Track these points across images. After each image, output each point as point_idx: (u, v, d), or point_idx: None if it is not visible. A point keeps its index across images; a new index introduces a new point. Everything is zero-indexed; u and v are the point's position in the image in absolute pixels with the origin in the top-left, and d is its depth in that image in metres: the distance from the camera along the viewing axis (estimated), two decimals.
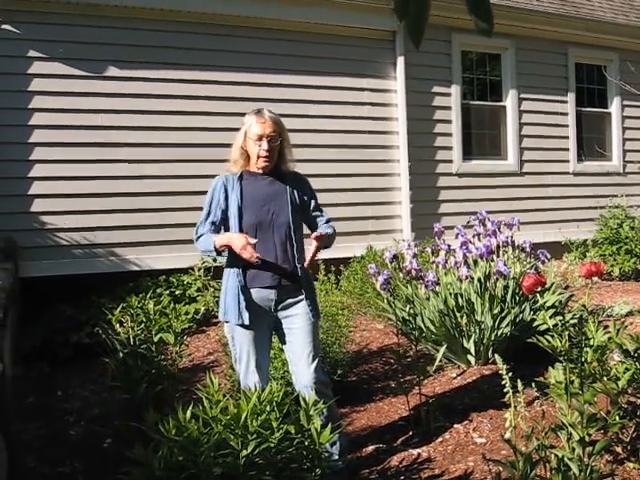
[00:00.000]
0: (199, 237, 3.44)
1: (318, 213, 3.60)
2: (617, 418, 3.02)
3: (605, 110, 10.35)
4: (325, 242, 3.47)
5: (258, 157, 3.38)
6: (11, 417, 3.66)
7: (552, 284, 5.24)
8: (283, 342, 3.49)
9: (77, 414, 4.71)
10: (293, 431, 2.72)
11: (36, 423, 4.52)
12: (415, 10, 0.96)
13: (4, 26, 6.52)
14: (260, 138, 3.34)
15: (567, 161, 9.82)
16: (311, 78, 7.92)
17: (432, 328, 5.03)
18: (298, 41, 7.85)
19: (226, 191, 3.41)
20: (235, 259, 3.34)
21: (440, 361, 4.76)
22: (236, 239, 3.26)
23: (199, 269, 6.79)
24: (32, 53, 6.62)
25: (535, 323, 4.93)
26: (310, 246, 3.43)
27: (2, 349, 3.69)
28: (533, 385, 3.94)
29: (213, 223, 3.43)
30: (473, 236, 5.22)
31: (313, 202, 3.58)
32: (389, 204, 8.43)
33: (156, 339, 4.26)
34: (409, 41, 8.20)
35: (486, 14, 1.00)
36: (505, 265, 4.83)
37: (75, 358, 5.69)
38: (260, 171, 3.44)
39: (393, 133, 8.42)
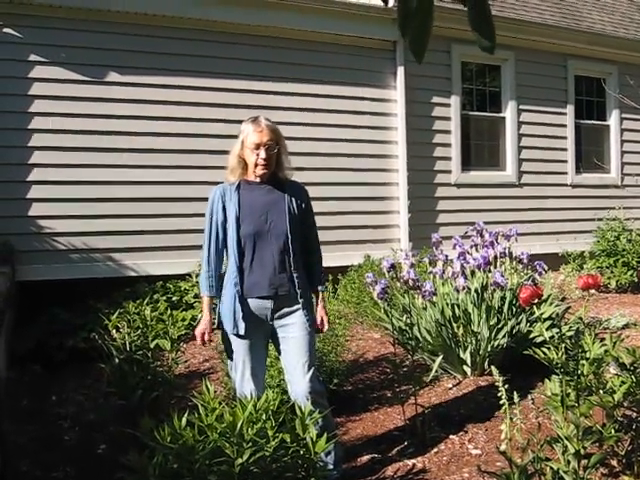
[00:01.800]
0: (204, 268, 3.47)
1: (312, 234, 3.59)
2: (613, 431, 3.02)
3: (604, 123, 10.39)
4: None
5: (256, 165, 3.37)
6: (4, 420, 3.66)
7: (549, 296, 5.24)
8: (279, 351, 3.48)
9: (72, 419, 4.69)
10: (288, 440, 2.71)
11: (30, 426, 4.50)
12: (418, 26, 0.96)
13: (5, 30, 6.54)
14: (257, 147, 3.34)
15: (565, 173, 9.84)
16: (311, 87, 7.94)
17: (429, 338, 5.03)
18: (298, 49, 7.87)
19: (223, 202, 3.41)
20: (234, 269, 3.34)
21: (436, 371, 4.75)
22: (199, 330, 3.45)
23: (196, 275, 6.78)
24: (33, 57, 6.63)
25: (532, 335, 4.92)
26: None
27: None
28: (529, 397, 3.94)
29: (217, 242, 3.43)
30: (471, 247, 5.22)
31: (309, 215, 3.57)
32: (387, 213, 8.43)
33: (152, 345, 4.25)
34: (409, 51, 8.27)
35: (489, 32, 1.01)
36: (502, 276, 4.83)
37: (70, 362, 5.68)
38: (258, 179, 3.43)
39: (392, 143, 8.43)
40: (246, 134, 3.38)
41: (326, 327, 3.59)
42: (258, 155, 3.35)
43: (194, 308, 6.55)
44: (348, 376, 5.00)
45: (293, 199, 3.46)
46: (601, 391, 3.12)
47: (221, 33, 7.44)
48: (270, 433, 2.66)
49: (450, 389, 4.90)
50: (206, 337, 3.43)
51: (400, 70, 8.36)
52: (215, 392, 2.82)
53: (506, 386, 2.64)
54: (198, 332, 3.44)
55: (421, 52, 1.02)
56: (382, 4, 8.09)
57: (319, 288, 3.59)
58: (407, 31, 0.99)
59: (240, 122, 3.54)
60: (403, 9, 1.01)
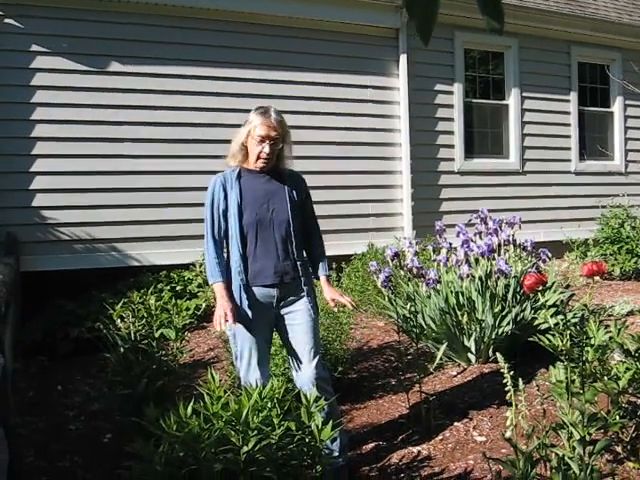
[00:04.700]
0: (210, 255, 3.37)
1: (312, 221, 3.60)
2: (617, 418, 3.02)
3: (607, 109, 10.35)
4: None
5: (258, 158, 3.36)
6: (11, 411, 3.67)
7: (553, 283, 5.23)
8: (284, 338, 3.48)
9: (77, 409, 4.72)
10: (294, 428, 2.71)
11: (36, 417, 4.52)
12: (425, 8, 0.95)
13: (7, 20, 6.52)
14: (263, 140, 3.32)
15: (569, 160, 9.82)
16: (314, 75, 7.92)
17: (433, 326, 5.03)
18: (301, 38, 7.85)
19: (225, 190, 3.39)
20: (237, 258, 3.33)
21: (441, 359, 4.76)
22: (220, 308, 3.25)
23: (200, 265, 6.79)
24: (35, 47, 6.62)
25: (536, 322, 4.93)
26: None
27: (3, 343, 3.69)
28: (534, 384, 3.94)
29: (219, 230, 3.39)
30: (474, 234, 5.21)
31: (309, 204, 3.58)
32: (391, 201, 8.43)
33: (157, 334, 4.25)
34: (412, 39, 8.24)
35: (497, 13, 1.00)
36: (506, 264, 4.83)
37: (75, 353, 5.70)
38: (258, 169, 3.42)
39: (395, 131, 8.42)
40: (254, 125, 3.34)
41: (347, 300, 3.54)
42: (262, 149, 3.33)
43: (198, 297, 6.57)
44: (353, 364, 5.01)
45: (293, 188, 3.46)
46: (606, 378, 3.12)
47: (223, 22, 7.42)
48: (275, 421, 2.66)
49: (454, 376, 4.90)
50: (230, 318, 3.22)
51: (403, 58, 8.33)
52: (220, 381, 2.82)
53: (511, 373, 2.64)
54: (220, 314, 3.23)
55: (428, 34, 1.01)
56: None
57: (323, 273, 3.59)
58: (414, 12, 0.98)
59: (242, 111, 3.52)
60: None
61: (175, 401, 2.84)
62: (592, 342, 3.21)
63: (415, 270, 4.63)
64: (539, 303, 4.84)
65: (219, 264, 3.36)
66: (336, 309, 3.71)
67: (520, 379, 2.71)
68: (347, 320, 4.94)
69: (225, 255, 3.44)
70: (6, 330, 4.13)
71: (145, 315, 4.33)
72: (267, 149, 3.33)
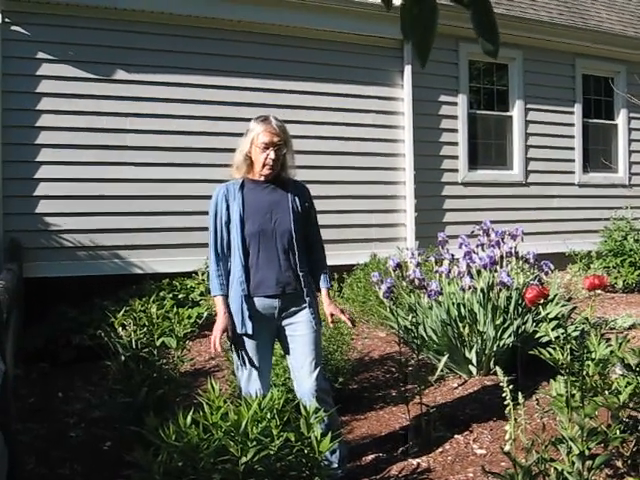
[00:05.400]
0: (212, 268, 3.43)
1: (315, 232, 3.59)
2: (618, 432, 3.01)
3: (611, 122, 10.35)
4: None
5: (264, 165, 3.36)
6: (12, 417, 3.67)
7: (555, 296, 5.23)
8: (285, 349, 3.48)
9: (78, 416, 4.71)
10: (293, 439, 2.71)
11: (36, 424, 4.52)
12: (422, 31, 0.96)
13: (13, 28, 6.56)
14: (267, 147, 3.33)
15: (572, 172, 9.82)
16: (318, 85, 7.94)
17: (434, 337, 5.03)
18: (305, 48, 7.87)
19: (227, 201, 3.40)
20: (239, 268, 3.34)
21: (441, 371, 4.75)
22: (217, 329, 3.35)
23: (202, 273, 6.80)
24: (41, 55, 6.66)
25: (537, 335, 4.92)
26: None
27: (5, 350, 3.69)
28: (534, 397, 3.93)
29: (222, 242, 3.41)
30: (477, 246, 5.21)
31: (312, 214, 3.57)
32: (393, 212, 8.43)
33: (158, 343, 4.25)
34: None
35: (492, 35, 1.00)
36: (508, 276, 4.83)
37: (77, 360, 5.70)
38: (262, 178, 3.43)
39: (399, 141, 8.43)
40: (256, 133, 3.36)
41: (346, 318, 3.57)
42: (267, 155, 3.34)
43: (200, 306, 6.57)
44: (353, 375, 5.00)
45: (296, 198, 3.46)
46: (606, 392, 3.11)
47: (229, 31, 7.45)
48: (275, 432, 2.66)
49: (455, 389, 4.89)
50: (217, 343, 3.32)
51: (407, 69, 8.36)
52: (220, 390, 2.82)
53: (511, 386, 2.64)
54: (215, 336, 3.34)
55: (425, 56, 1.02)
56: None
57: (325, 285, 3.58)
58: (410, 36, 0.99)
59: (247, 120, 3.53)
60: (406, 14, 1.01)
61: (175, 410, 2.84)
62: (593, 356, 3.21)
63: (417, 281, 4.62)
64: (541, 316, 4.83)
65: (220, 277, 3.39)
66: (332, 325, 3.71)
67: (520, 392, 2.70)
68: (348, 331, 4.94)
69: (229, 266, 3.45)
70: (8, 337, 4.13)
71: (146, 323, 4.33)
72: (272, 155, 3.33)
